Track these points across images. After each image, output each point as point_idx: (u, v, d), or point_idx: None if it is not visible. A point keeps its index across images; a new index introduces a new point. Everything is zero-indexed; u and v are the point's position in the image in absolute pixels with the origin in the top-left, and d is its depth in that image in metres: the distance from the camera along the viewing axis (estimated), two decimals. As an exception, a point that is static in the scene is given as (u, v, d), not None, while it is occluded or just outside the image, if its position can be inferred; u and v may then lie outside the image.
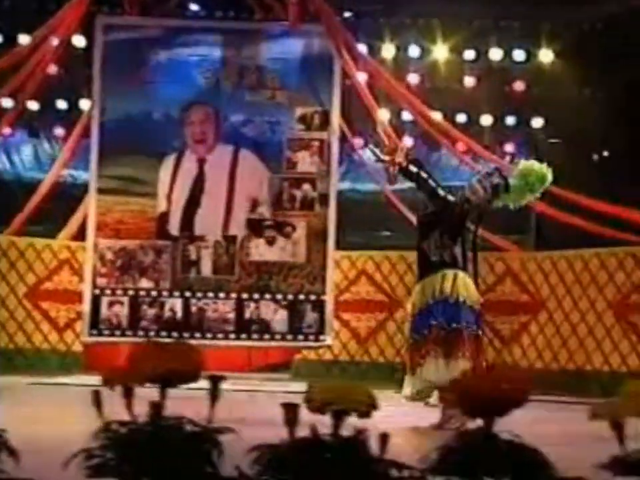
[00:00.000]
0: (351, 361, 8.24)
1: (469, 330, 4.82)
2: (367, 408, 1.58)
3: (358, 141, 9.01)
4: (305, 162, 7.98)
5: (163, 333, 7.86)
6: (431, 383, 4.79)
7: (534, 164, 5.35)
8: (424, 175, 5.12)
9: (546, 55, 8.73)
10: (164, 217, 7.99)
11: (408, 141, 9.18)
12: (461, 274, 4.87)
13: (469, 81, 8.82)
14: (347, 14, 8.62)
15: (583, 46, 8.52)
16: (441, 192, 5.05)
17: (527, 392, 1.60)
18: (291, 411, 1.62)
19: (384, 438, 1.60)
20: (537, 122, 9.01)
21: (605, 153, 9.12)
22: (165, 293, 7.91)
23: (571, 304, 7.91)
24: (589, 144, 9.05)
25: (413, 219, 8.38)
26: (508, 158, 9.47)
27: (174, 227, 7.99)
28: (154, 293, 7.90)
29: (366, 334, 8.26)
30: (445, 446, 1.58)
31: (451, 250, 4.87)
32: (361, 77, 8.20)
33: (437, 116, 8.85)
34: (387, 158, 5.19)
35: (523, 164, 5.36)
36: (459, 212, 4.94)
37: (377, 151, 5.39)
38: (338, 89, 7.96)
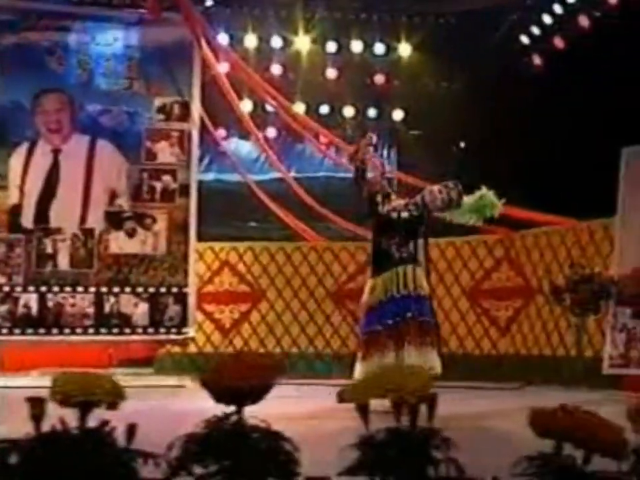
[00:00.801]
0: (215, 353, 8.20)
1: (432, 321, 5.33)
2: (113, 399, 1.56)
3: (221, 132, 8.97)
4: (165, 153, 7.84)
5: (17, 330, 7.57)
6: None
7: (491, 193, 5.70)
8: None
9: (405, 49, 8.96)
10: (16, 209, 7.67)
11: (271, 132, 9.23)
12: (417, 269, 5.32)
13: (331, 73, 8.94)
14: (208, 2, 8.53)
15: (439, 40, 8.79)
16: (381, 210, 5.38)
17: (274, 379, 1.63)
18: (37, 405, 1.59)
19: (131, 429, 1.59)
20: (398, 114, 9.24)
21: (462, 145, 9.43)
22: (18, 288, 7.61)
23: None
24: (448, 136, 9.35)
25: (277, 210, 8.46)
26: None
27: (27, 220, 7.69)
28: (6, 288, 7.59)
29: (230, 325, 8.24)
30: (191, 433, 1.58)
31: (408, 247, 5.29)
32: (223, 68, 8.14)
33: (299, 107, 8.92)
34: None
35: (483, 191, 5.72)
36: (417, 216, 5.36)
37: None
38: (198, 79, 7.85)
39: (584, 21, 7.87)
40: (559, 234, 7.53)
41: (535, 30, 8.44)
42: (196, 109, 7.86)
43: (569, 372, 7.01)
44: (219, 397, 1.55)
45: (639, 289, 6.74)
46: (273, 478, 1.52)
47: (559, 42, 8.20)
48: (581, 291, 7.02)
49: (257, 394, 1.58)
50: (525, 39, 8.57)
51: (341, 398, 1.67)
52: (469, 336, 8.02)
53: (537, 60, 8.54)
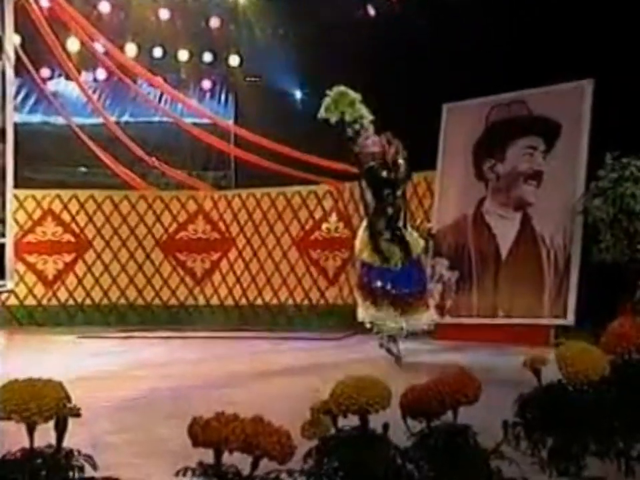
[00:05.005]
0: (38, 305, 7.92)
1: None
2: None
3: (44, 72, 8.51)
4: (-24, 92, 7.32)
5: None
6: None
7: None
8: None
9: (241, -7, 8.74)
10: None
11: (101, 74, 8.83)
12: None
13: (164, 14, 8.60)
14: None
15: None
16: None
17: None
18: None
19: None
20: (234, 60, 9.04)
21: (299, 94, 9.36)
22: None
23: (259, 241, 8.16)
24: (284, 84, 9.24)
25: (104, 156, 8.15)
26: (208, 95, 9.48)
27: None
28: None
29: (53, 277, 7.96)
30: None
31: None
32: (43, 4, 7.65)
33: (131, 49, 8.56)
34: None
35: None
36: None
37: None
38: (11, 13, 7.29)
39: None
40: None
41: (371, -19, 8.41)
42: (10, 44, 7.32)
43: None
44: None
45: (455, 241, 7.01)
46: None
47: (392, -6, 8.21)
48: (401, 243, 7.21)
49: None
50: (361, -11, 8.53)
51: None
52: (299, 287, 8.07)
53: (371, 11, 8.52)
